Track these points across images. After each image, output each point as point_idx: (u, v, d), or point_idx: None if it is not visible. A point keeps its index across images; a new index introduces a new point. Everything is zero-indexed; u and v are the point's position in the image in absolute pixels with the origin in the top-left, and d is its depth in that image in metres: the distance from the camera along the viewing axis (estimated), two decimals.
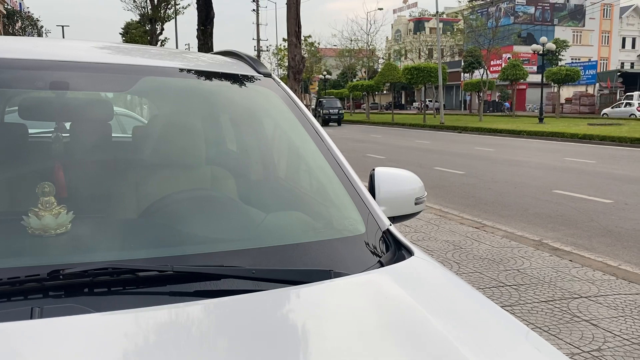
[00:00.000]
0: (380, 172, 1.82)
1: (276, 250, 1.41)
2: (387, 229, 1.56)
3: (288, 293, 1.22)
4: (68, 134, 1.81)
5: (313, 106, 45.92)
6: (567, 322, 3.92)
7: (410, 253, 1.47)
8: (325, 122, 38.57)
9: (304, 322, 1.15)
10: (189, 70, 1.91)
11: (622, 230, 6.96)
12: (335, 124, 39.72)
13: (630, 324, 3.90)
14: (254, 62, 2.04)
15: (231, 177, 1.80)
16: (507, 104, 48.21)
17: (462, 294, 1.38)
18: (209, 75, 1.94)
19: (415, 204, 1.85)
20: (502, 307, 4.14)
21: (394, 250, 1.49)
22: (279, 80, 2.03)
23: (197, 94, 1.94)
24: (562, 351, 3.44)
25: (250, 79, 1.96)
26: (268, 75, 1.99)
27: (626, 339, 3.64)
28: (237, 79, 1.96)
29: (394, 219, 1.78)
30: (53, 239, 1.32)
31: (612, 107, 39.57)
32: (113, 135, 2.02)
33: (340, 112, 40.41)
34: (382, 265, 1.40)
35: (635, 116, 35.43)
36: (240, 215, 1.64)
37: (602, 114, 40.06)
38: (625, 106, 38.08)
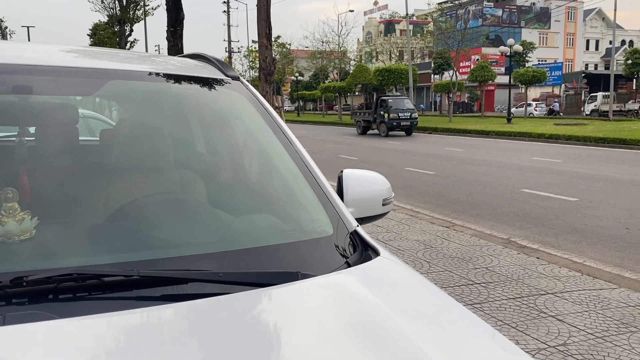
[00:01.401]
0: (348, 173, 1.84)
1: (244, 253, 1.42)
2: (355, 230, 1.58)
3: (255, 295, 1.23)
4: (32, 139, 1.78)
5: (286, 108, 44.26)
6: (534, 318, 4.02)
7: (376, 253, 1.49)
8: (388, 130, 26.60)
9: (271, 324, 1.16)
10: (157, 74, 1.90)
11: (587, 227, 7.15)
12: (404, 133, 26.96)
13: (594, 318, 4.02)
14: (222, 65, 2.04)
15: (200, 181, 1.79)
16: (421, 105, 48.96)
17: (428, 294, 1.41)
18: (177, 78, 1.93)
19: (383, 204, 1.87)
20: (471, 304, 4.26)
21: (361, 251, 1.51)
22: (247, 84, 2.04)
23: (165, 97, 1.92)
24: (529, 346, 3.53)
25: (218, 82, 1.96)
26: (236, 78, 2.00)
27: (590, 333, 3.75)
28: (206, 82, 1.96)
29: (362, 220, 1.81)
30: (17, 245, 1.30)
31: (517, 107, 45.68)
32: (80, 138, 1.98)
33: (413, 115, 26.87)
34: (349, 265, 1.42)
35: (533, 115, 43.36)
36: (208, 218, 1.64)
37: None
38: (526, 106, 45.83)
